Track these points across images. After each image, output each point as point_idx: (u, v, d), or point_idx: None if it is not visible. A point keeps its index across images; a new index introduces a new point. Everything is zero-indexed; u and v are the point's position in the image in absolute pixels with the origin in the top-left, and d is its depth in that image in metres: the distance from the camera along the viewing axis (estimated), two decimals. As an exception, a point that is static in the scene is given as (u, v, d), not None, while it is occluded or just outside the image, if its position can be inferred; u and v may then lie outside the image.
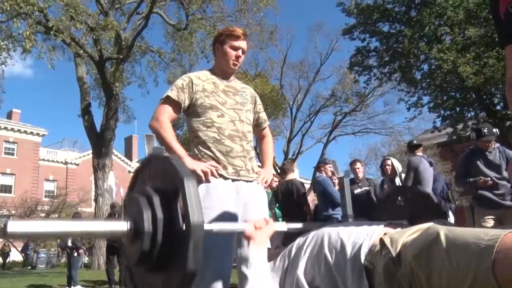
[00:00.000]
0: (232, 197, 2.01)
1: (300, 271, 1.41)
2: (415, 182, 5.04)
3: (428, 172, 5.07)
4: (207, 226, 1.59)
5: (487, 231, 1.05)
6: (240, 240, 1.95)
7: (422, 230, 1.23)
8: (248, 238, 1.58)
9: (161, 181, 1.27)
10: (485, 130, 4.28)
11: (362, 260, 1.29)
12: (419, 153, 5.49)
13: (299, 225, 1.92)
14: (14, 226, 1.05)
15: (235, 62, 2.19)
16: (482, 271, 0.98)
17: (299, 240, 1.55)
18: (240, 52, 2.18)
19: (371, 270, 1.26)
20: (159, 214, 1.20)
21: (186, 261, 1.11)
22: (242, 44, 2.18)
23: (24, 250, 23.83)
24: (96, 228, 1.23)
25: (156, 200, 1.21)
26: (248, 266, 1.49)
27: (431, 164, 5.21)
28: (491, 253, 0.98)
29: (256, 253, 1.51)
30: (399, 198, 2.22)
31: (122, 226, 1.23)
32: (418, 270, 1.10)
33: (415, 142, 5.81)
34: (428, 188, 4.94)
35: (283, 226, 1.86)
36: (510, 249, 0.97)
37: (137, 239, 1.22)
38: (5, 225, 1.04)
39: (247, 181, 2.11)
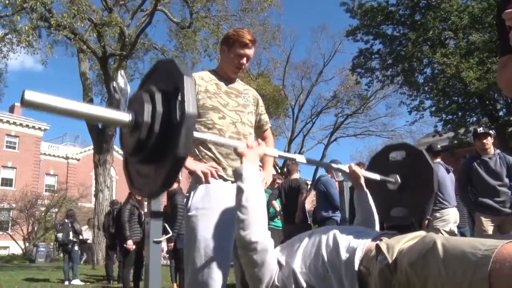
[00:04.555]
0: (231, 199, 2.01)
1: (297, 267, 1.44)
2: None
3: (447, 180, 4.97)
4: (200, 134, 1.73)
5: (484, 241, 1.05)
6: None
7: (419, 238, 1.24)
8: (240, 155, 1.69)
9: (165, 82, 1.36)
10: (480, 129, 4.41)
11: (356, 265, 1.31)
12: (437, 159, 5.23)
13: (290, 155, 2.06)
14: (31, 95, 1.13)
15: (237, 70, 2.19)
16: (478, 281, 0.99)
17: (296, 238, 1.59)
18: (244, 60, 2.16)
19: (366, 275, 1.27)
20: (159, 108, 1.28)
21: (177, 146, 1.20)
22: (249, 52, 2.16)
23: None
24: (102, 113, 1.31)
25: (158, 96, 1.30)
26: (242, 180, 1.58)
27: (448, 171, 5.12)
28: (488, 263, 0.98)
29: (249, 167, 1.61)
30: (391, 156, 2.25)
31: (125, 116, 1.32)
32: (414, 278, 1.11)
33: (438, 147, 5.53)
34: (449, 197, 4.86)
35: (274, 151, 1.96)
36: (506, 260, 0.97)
37: (136, 129, 1.30)
38: (23, 93, 1.11)
39: (246, 183, 2.12)
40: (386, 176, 2.21)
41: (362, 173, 2.09)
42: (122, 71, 1.58)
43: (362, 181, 2.06)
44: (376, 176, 2.16)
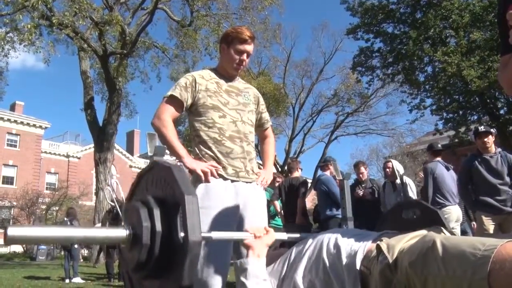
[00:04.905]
0: (231, 198, 2.02)
1: (299, 276, 1.43)
2: (435, 188, 4.93)
3: (447, 178, 4.97)
4: (206, 234, 1.61)
5: (483, 241, 1.05)
6: (238, 248, 1.96)
7: (419, 237, 1.24)
8: (247, 247, 1.57)
9: (162, 190, 1.30)
10: (481, 127, 4.42)
11: (358, 267, 1.31)
12: (438, 158, 5.29)
13: (298, 235, 1.91)
14: (14, 231, 1.08)
15: (238, 66, 2.18)
16: (477, 281, 0.99)
17: (298, 245, 1.57)
18: (244, 56, 2.16)
19: (367, 275, 1.27)
20: (158, 227, 1.22)
21: (182, 277, 1.14)
22: (248, 47, 2.16)
23: None
24: (98, 234, 1.27)
25: (156, 212, 1.24)
26: (247, 276, 1.46)
27: (447, 168, 5.10)
28: (487, 263, 0.99)
29: (255, 263, 1.48)
30: (404, 213, 2.18)
31: (121, 233, 1.27)
32: (414, 277, 1.12)
33: (439, 146, 5.51)
34: (450, 195, 4.85)
35: (283, 235, 1.86)
36: (506, 260, 0.97)
37: (135, 246, 1.25)
38: (5, 230, 1.06)
39: (247, 182, 2.12)
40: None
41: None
42: (116, 179, 1.53)
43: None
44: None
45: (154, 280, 1.30)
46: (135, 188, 1.49)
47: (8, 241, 1.07)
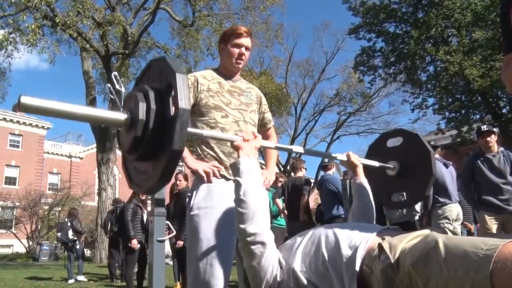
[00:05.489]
0: (233, 198, 2.02)
1: (297, 266, 1.44)
2: (436, 187, 4.91)
3: (446, 176, 4.95)
4: (195, 130, 1.77)
5: (485, 241, 1.05)
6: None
7: (421, 237, 1.24)
8: (237, 148, 1.67)
9: (158, 80, 1.39)
10: (484, 126, 4.44)
11: (357, 264, 1.31)
12: (435, 155, 5.30)
13: (286, 146, 2.09)
14: (26, 99, 1.17)
15: (239, 60, 2.18)
16: (479, 281, 0.99)
17: (297, 236, 1.58)
18: (243, 49, 2.17)
19: (369, 274, 1.27)
20: (153, 105, 1.31)
21: (172, 141, 1.22)
22: (245, 41, 2.17)
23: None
24: (98, 114, 1.35)
25: (151, 94, 1.33)
26: (240, 174, 1.55)
27: (446, 165, 5.10)
28: (489, 263, 0.99)
29: (246, 161, 1.59)
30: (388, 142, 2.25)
31: (121, 115, 1.36)
32: (416, 277, 1.12)
33: (432, 143, 5.56)
34: (450, 193, 4.84)
35: (271, 143, 1.98)
36: (508, 259, 0.97)
37: (132, 128, 1.33)
38: (19, 98, 1.15)
39: (249, 182, 2.11)
40: (385, 163, 2.21)
41: (360, 161, 2.09)
42: (115, 73, 1.60)
43: (360, 169, 2.06)
44: (375, 163, 2.18)
45: (148, 161, 1.38)
46: (135, 85, 1.57)
47: (21, 107, 1.17)
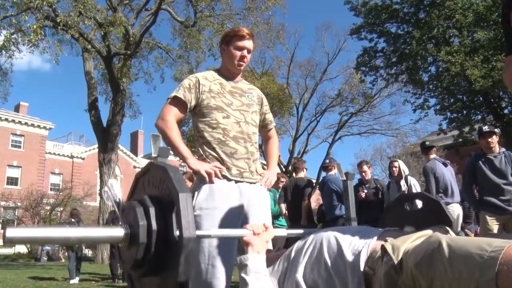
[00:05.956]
0: (235, 198, 2.02)
1: (300, 275, 1.42)
2: (437, 186, 4.92)
3: (447, 175, 4.95)
4: (205, 232, 1.65)
5: (490, 242, 1.05)
6: (242, 250, 1.96)
7: (424, 238, 1.23)
8: (247, 244, 1.57)
9: (158, 190, 1.33)
10: (485, 127, 4.42)
11: (361, 267, 1.30)
12: (433, 155, 5.32)
13: (299, 231, 1.92)
14: (13, 232, 1.12)
15: (240, 62, 2.18)
16: (484, 283, 0.98)
17: (298, 244, 1.56)
18: (245, 52, 2.17)
19: (371, 276, 1.26)
20: (154, 226, 1.26)
21: (178, 273, 1.17)
22: (247, 43, 2.17)
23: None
24: (96, 234, 1.31)
25: (152, 211, 1.27)
26: (247, 272, 1.46)
27: (445, 164, 5.09)
28: (495, 264, 0.98)
29: (255, 259, 1.49)
30: (407, 204, 2.17)
31: (119, 232, 1.30)
32: (420, 278, 1.11)
33: (427, 143, 5.57)
34: (451, 193, 4.83)
35: (282, 232, 1.88)
36: None
37: (133, 245, 1.28)
38: (4, 232, 1.10)
39: (250, 183, 2.12)
40: (401, 227, 2.13)
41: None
42: (112, 180, 1.57)
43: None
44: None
45: (153, 278, 1.33)
46: (133, 190, 1.52)
47: (7, 241, 1.12)
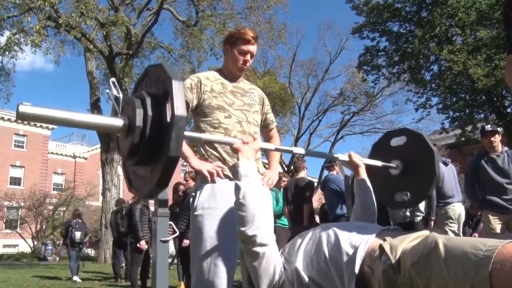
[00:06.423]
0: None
1: (299, 264, 1.46)
2: (437, 186, 4.89)
3: (447, 174, 4.92)
4: (193, 134, 1.78)
5: (485, 241, 1.06)
6: None
7: (421, 238, 1.24)
8: (237, 151, 1.69)
9: (155, 87, 1.41)
10: (488, 126, 4.40)
11: (357, 264, 1.32)
12: None
13: (286, 148, 2.08)
14: (24, 108, 1.21)
15: (242, 66, 2.19)
16: (479, 282, 0.99)
17: (297, 238, 1.60)
18: (248, 56, 2.17)
19: (370, 275, 1.28)
20: (149, 112, 1.33)
21: (168, 148, 1.24)
22: (252, 48, 2.17)
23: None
24: (96, 120, 1.39)
25: (148, 101, 1.35)
26: (239, 177, 1.57)
27: (445, 163, 5.08)
28: (489, 263, 0.99)
29: (245, 164, 1.61)
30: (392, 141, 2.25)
31: (118, 122, 1.38)
32: (417, 278, 1.12)
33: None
34: (452, 191, 4.82)
35: (270, 146, 2.00)
36: (507, 260, 0.98)
37: (130, 134, 1.36)
38: (18, 107, 1.20)
39: (252, 183, 2.12)
40: (388, 162, 2.20)
41: (363, 160, 2.07)
42: (113, 79, 1.62)
43: (363, 169, 2.05)
44: (377, 163, 2.16)
45: (146, 166, 1.40)
46: (133, 91, 1.60)
47: (18, 117, 1.21)
